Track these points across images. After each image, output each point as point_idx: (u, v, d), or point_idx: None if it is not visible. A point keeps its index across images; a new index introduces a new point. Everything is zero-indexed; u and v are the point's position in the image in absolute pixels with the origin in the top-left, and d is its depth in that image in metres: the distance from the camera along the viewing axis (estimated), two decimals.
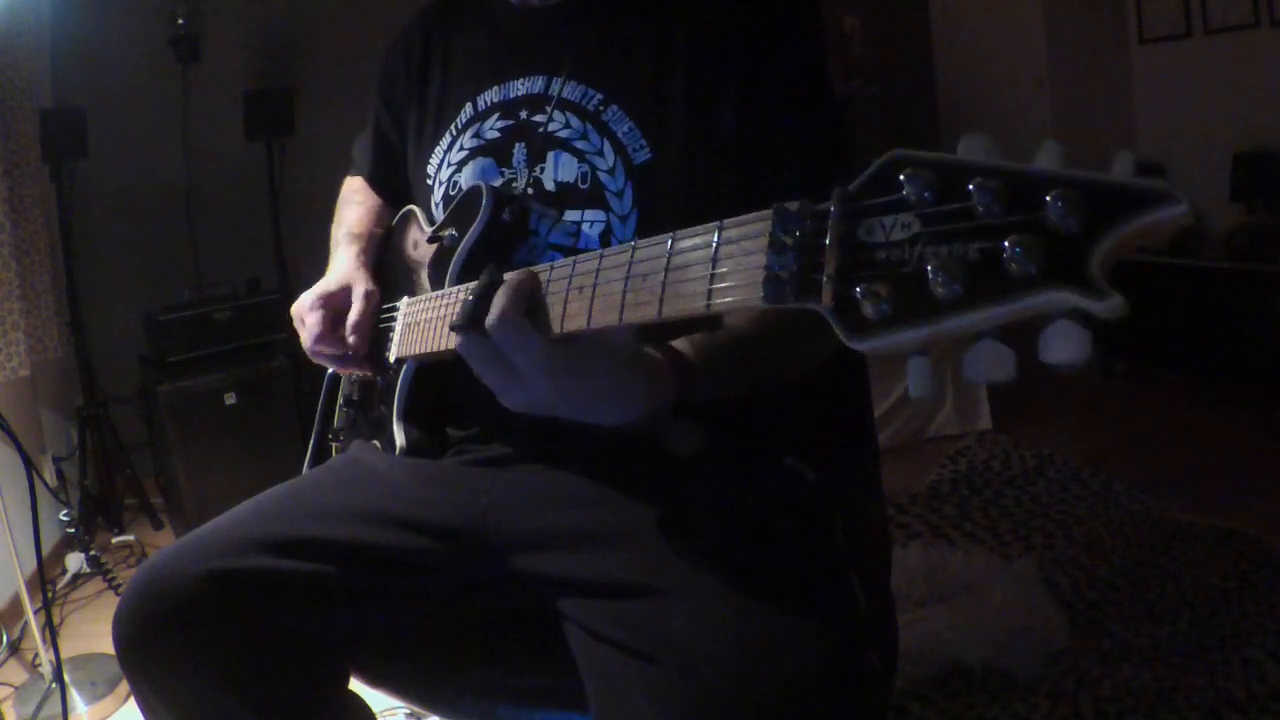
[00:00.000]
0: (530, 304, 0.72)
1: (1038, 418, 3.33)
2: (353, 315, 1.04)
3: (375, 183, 1.22)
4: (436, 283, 0.97)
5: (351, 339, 1.03)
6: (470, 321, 0.73)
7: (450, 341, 0.87)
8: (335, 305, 1.05)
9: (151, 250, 3.30)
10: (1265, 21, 3.47)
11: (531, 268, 0.74)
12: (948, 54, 4.33)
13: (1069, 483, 2.74)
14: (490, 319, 0.71)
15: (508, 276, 0.74)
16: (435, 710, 1.07)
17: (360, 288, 1.06)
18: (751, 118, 0.91)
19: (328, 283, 1.07)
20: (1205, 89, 3.67)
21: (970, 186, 0.44)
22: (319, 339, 1.04)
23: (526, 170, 0.97)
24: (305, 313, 1.05)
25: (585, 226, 0.93)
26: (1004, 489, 2.75)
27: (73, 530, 2.64)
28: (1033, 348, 0.44)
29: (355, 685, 1.01)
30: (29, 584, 2.12)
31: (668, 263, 0.61)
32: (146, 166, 3.27)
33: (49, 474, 2.77)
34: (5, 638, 2.29)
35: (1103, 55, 3.94)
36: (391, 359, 1.03)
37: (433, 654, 1.01)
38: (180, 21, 3.22)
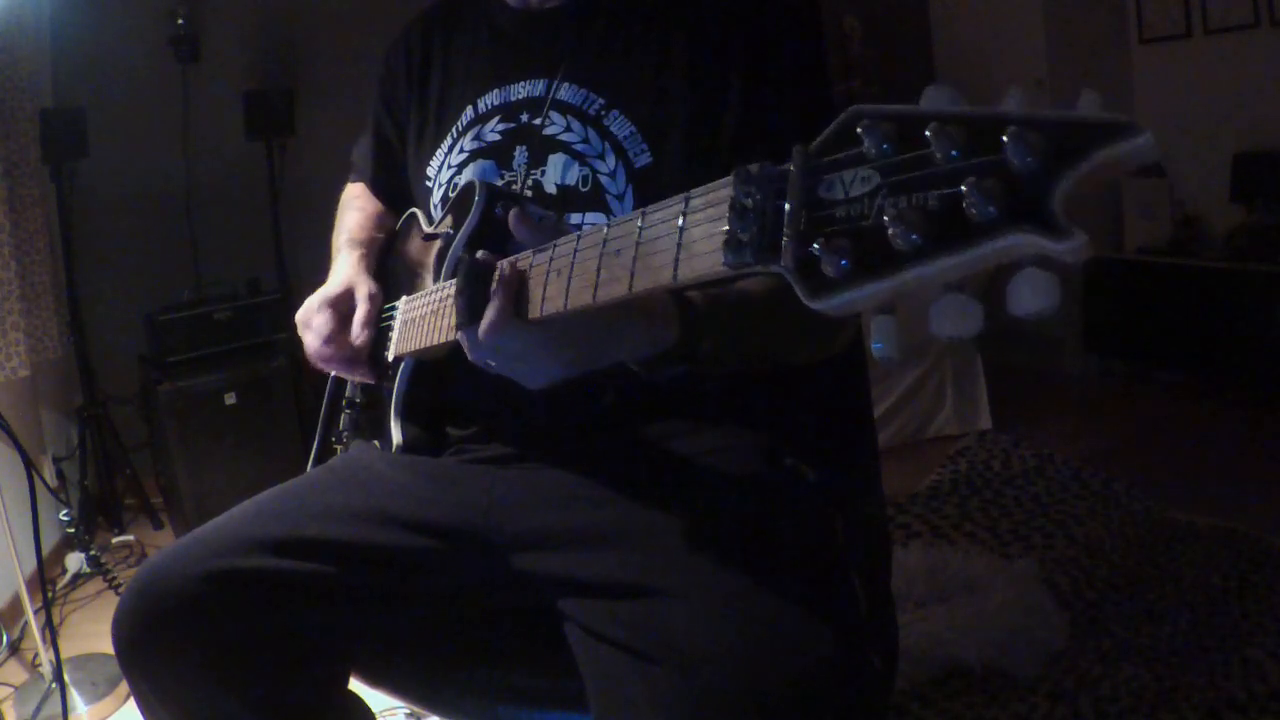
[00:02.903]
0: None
1: (1038, 418, 3.33)
2: (359, 314, 1.04)
3: (376, 187, 1.22)
4: (435, 280, 0.97)
5: (359, 340, 1.03)
6: (470, 316, 0.73)
7: (444, 334, 0.87)
8: (340, 308, 1.05)
9: (151, 250, 3.29)
10: (1265, 21, 3.47)
11: (513, 258, 0.74)
12: (948, 54, 4.33)
13: (1069, 483, 2.74)
14: (482, 329, 0.72)
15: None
16: (435, 710, 1.07)
17: (364, 289, 1.06)
18: (752, 121, 0.91)
19: (331, 287, 1.07)
20: (1205, 89, 3.66)
21: (928, 134, 0.43)
22: (326, 340, 1.03)
23: (526, 172, 0.97)
24: (311, 315, 1.05)
25: (586, 229, 0.93)
26: (1004, 489, 2.75)
27: (73, 530, 2.63)
28: (1004, 307, 0.42)
29: (355, 685, 1.01)
30: (29, 584, 2.12)
31: (639, 237, 0.61)
32: (146, 166, 3.27)
33: (49, 474, 2.77)
34: (5, 638, 2.29)
35: (1103, 55, 3.94)
36: (390, 357, 1.03)
37: (433, 654, 1.01)
38: (180, 21, 3.21)
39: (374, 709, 1.04)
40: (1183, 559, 2.23)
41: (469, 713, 1.03)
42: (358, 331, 1.03)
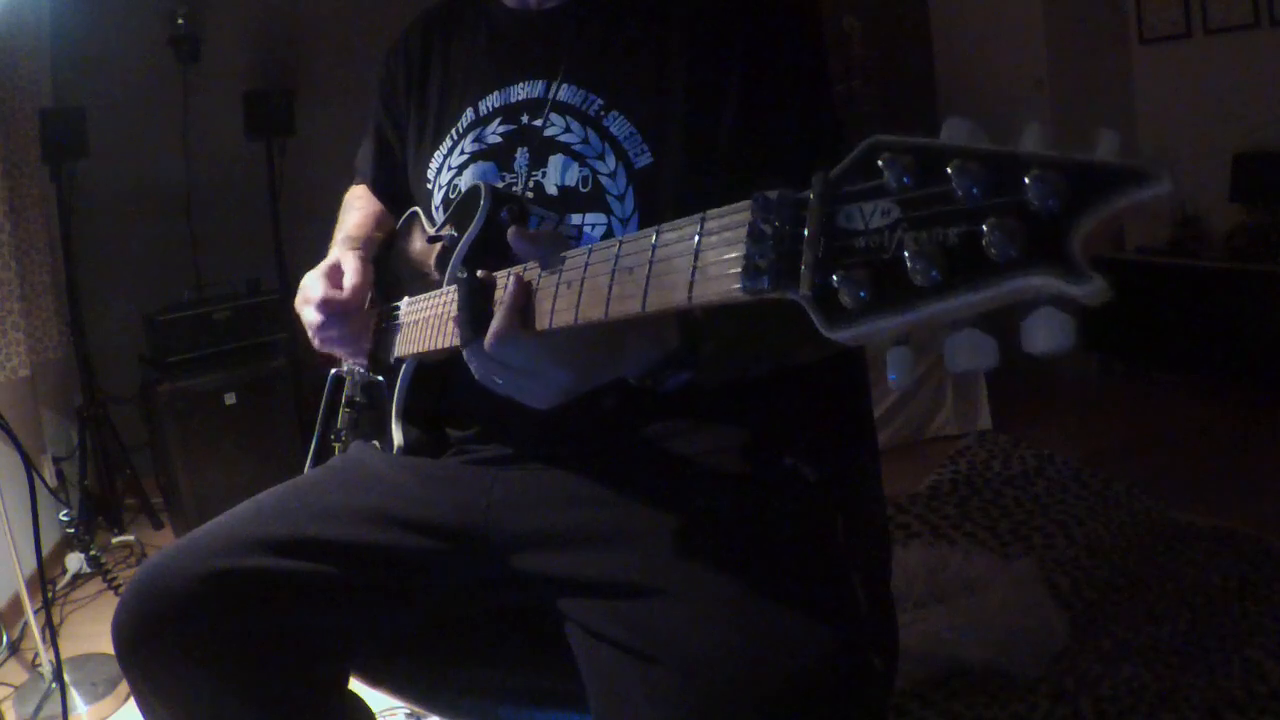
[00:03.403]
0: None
1: (1038, 418, 3.33)
2: (349, 271, 1.04)
3: (378, 189, 1.22)
4: (438, 283, 0.97)
5: (349, 289, 1.02)
6: (474, 331, 0.73)
7: (446, 339, 0.87)
8: (334, 277, 1.05)
9: (151, 250, 3.30)
10: (1265, 21, 3.47)
11: (519, 270, 0.74)
12: (948, 54, 4.33)
13: (1069, 483, 2.74)
14: (489, 338, 0.72)
15: (499, 291, 0.74)
16: (435, 710, 1.07)
17: (351, 257, 1.06)
18: (752, 121, 0.91)
19: (323, 264, 1.07)
20: (1205, 89, 3.66)
21: (949, 170, 0.43)
22: (321, 304, 1.02)
23: (527, 174, 0.97)
24: (308, 286, 1.04)
25: (587, 229, 0.93)
26: (1004, 489, 2.75)
27: (73, 530, 2.63)
28: (1016, 338, 0.43)
29: (355, 685, 1.01)
30: (29, 584, 2.12)
31: (652, 255, 0.61)
32: (146, 166, 3.27)
33: (49, 474, 2.77)
34: (5, 638, 2.29)
35: (1103, 55, 3.94)
36: (392, 358, 1.03)
37: (433, 654, 1.01)
38: (180, 21, 3.21)
39: (374, 709, 1.04)
40: (1183, 559, 2.23)
41: (469, 713, 1.03)
42: (349, 282, 1.03)
